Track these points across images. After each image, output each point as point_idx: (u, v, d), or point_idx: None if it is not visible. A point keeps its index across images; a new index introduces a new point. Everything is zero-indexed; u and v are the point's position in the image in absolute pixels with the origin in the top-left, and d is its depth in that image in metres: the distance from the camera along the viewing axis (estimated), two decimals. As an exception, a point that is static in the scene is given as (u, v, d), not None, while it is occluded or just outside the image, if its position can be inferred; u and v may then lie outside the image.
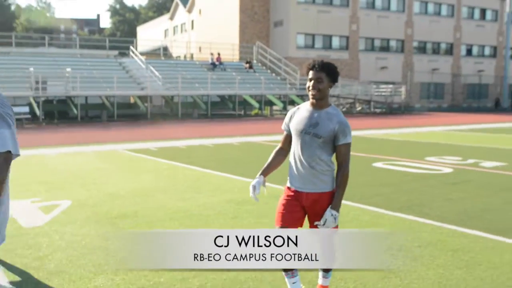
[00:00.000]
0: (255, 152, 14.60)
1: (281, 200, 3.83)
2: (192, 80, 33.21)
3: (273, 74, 39.22)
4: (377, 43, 49.65)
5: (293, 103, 35.88)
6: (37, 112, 26.63)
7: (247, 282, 4.50)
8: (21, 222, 6.60)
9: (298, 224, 3.77)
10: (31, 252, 5.36)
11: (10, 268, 4.86)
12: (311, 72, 3.73)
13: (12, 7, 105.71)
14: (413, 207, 7.32)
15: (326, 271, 4.01)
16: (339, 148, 3.72)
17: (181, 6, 66.58)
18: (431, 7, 52.64)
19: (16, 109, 26.07)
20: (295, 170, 3.82)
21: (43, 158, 12.88)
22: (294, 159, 3.82)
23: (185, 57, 53.81)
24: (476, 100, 55.04)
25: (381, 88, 41.84)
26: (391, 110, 41.42)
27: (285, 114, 22.92)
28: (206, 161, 12.36)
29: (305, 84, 31.06)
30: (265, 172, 3.91)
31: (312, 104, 3.78)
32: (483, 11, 55.83)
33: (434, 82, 52.69)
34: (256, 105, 33.51)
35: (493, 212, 7.09)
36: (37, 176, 10.17)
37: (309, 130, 3.73)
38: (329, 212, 3.67)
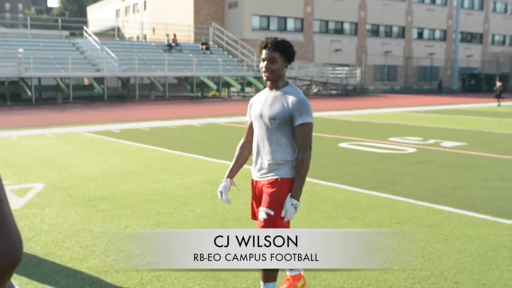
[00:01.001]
0: (219, 133, 14.64)
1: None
2: (148, 61, 32.80)
3: (230, 56, 39.12)
4: (331, 25, 50.07)
5: (250, 84, 35.97)
6: (-12, 94, 25.85)
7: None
8: (-4, 205, 6.48)
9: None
10: (13, 235, 5.28)
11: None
12: (264, 52, 3.40)
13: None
14: (385, 186, 7.55)
15: None
16: (295, 129, 3.38)
17: (133, -14, 65.29)
18: (383, -10, 53.39)
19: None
20: (254, 159, 3.58)
21: (3, 141, 12.58)
22: (254, 146, 3.58)
23: (138, 38, 52.96)
24: (428, 82, 56.36)
25: (337, 70, 42.35)
26: (347, 92, 42.02)
27: (243, 96, 23.10)
28: (173, 143, 12.33)
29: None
30: (231, 174, 3.68)
31: (269, 86, 3.50)
32: (433, -5, 57.01)
33: (387, 65, 53.65)
34: (214, 86, 33.41)
35: (461, 190, 7.37)
36: (1, 159, 9.95)
37: (264, 112, 3.45)
38: (289, 202, 3.36)
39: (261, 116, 3.47)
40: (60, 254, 4.72)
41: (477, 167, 9.23)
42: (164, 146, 11.67)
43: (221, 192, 3.58)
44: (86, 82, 35.56)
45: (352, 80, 43.28)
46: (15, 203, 6.62)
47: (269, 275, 3.46)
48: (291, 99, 3.37)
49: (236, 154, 3.74)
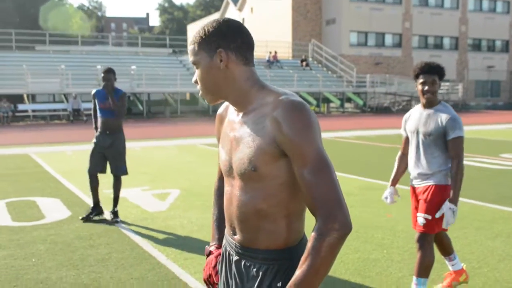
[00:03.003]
0: (348, 151, 15.04)
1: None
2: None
3: (329, 72, 39.53)
4: (430, 40, 49.25)
5: (350, 100, 36.10)
6: (105, 108, 27.77)
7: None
8: (145, 207, 7.28)
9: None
10: (169, 232, 5.98)
11: (155, 246, 5.48)
12: (424, 75, 3.78)
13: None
14: (506, 200, 7.67)
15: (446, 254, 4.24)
16: (449, 143, 3.73)
17: (231, 5, 67.38)
18: (485, 4, 51.84)
19: (86, 105, 27.31)
20: (411, 170, 3.98)
21: (129, 151, 13.66)
22: (410, 158, 3.98)
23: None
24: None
25: (437, 86, 41.55)
26: (447, 108, 41.13)
27: (342, 112, 23.23)
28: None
29: (361, 81, 31.11)
30: (393, 182, 4.19)
31: (423, 104, 3.88)
32: (540, 7, 54.67)
33: (489, 80, 51.94)
34: (314, 102, 33.91)
35: None
36: (135, 167, 10.91)
37: (420, 129, 3.85)
38: (447, 206, 3.70)
39: (417, 132, 3.89)
40: (216, 250, 5.32)
41: None
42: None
43: (386, 198, 4.14)
44: (187, 97, 37.14)
45: (453, 96, 42.34)
46: (159, 205, 7.40)
47: (423, 270, 3.86)
48: (444, 116, 3.75)
49: (396, 165, 4.24)
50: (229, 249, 1.85)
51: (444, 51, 49.17)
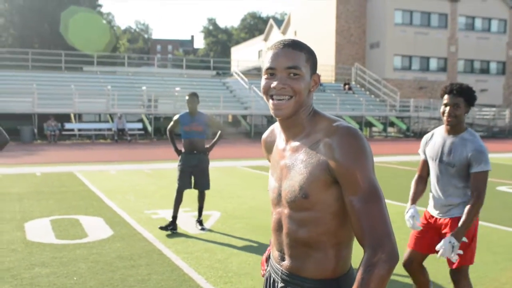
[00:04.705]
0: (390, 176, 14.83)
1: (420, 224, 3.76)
2: (293, 100, 33.90)
3: (372, 96, 39.26)
4: (476, 65, 48.46)
5: (393, 125, 35.71)
6: (149, 128, 28.21)
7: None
8: (186, 229, 7.31)
9: (429, 249, 3.75)
10: (209, 255, 5.98)
11: (195, 268, 5.47)
12: (447, 97, 3.51)
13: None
14: (557, 231, 7.40)
15: None
16: (472, 175, 3.48)
17: (275, 28, 67.94)
18: (534, 28, 50.82)
19: (130, 125, 27.80)
20: (432, 196, 3.76)
21: (173, 172, 13.79)
22: (432, 185, 3.75)
23: (279, 77, 54.76)
24: None
25: (483, 111, 40.81)
26: (493, 134, 40.24)
27: (385, 136, 22.90)
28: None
29: (405, 106, 30.71)
30: (414, 201, 3.81)
31: (447, 129, 3.61)
32: None
33: (538, 106, 50.61)
34: (356, 126, 33.61)
35: None
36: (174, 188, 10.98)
37: (442, 158, 3.60)
38: (447, 239, 3.38)
39: (440, 161, 3.63)
40: (256, 275, 5.28)
41: None
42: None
43: (413, 217, 3.68)
44: (229, 119, 37.37)
45: (500, 122, 41.38)
46: (200, 227, 7.41)
47: None
48: (469, 147, 3.47)
49: (413, 188, 3.88)
50: (274, 276, 1.84)
51: (491, 76, 48.29)
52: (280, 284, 1.79)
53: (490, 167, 3.48)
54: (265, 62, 1.72)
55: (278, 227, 1.78)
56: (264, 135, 1.95)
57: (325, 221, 1.66)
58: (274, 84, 1.68)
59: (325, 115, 1.72)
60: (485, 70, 48.54)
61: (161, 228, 7.03)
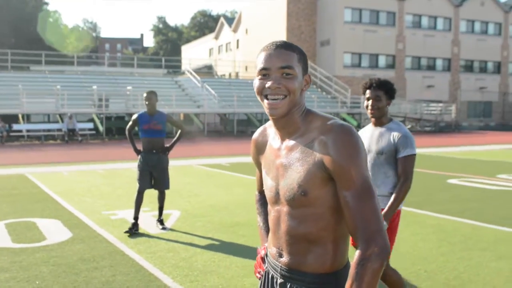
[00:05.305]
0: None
1: None
2: (245, 98, 33.99)
3: (323, 93, 39.73)
4: (423, 61, 49.71)
5: (344, 121, 36.23)
6: (100, 128, 27.74)
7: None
8: (146, 228, 7.23)
9: None
10: (173, 254, 5.94)
11: (160, 268, 5.43)
12: (368, 91, 3.71)
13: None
14: (507, 221, 7.68)
15: None
16: (399, 161, 3.63)
17: (226, 26, 67.83)
18: (477, 26, 52.45)
19: (81, 125, 27.27)
20: None
21: (131, 172, 13.61)
22: None
23: (230, 75, 54.81)
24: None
25: (431, 106, 41.91)
26: (440, 128, 41.39)
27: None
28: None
29: (355, 102, 31.25)
30: None
31: (373, 122, 3.80)
32: (531, 30, 55.38)
33: (482, 101, 52.35)
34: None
35: None
36: (131, 188, 10.85)
37: (372, 148, 3.74)
38: None
39: (369, 151, 3.76)
40: (221, 272, 5.29)
41: None
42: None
43: None
44: (181, 117, 37.13)
45: (446, 117, 42.59)
46: (162, 227, 7.34)
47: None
48: (395, 134, 3.66)
49: None
50: (272, 272, 1.87)
51: (437, 72, 49.62)
52: (280, 280, 1.82)
53: (415, 151, 3.64)
54: (258, 64, 1.75)
55: (277, 224, 1.80)
56: (255, 135, 1.97)
57: (324, 216, 1.70)
58: (268, 84, 1.71)
59: (318, 114, 1.76)
60: (431, 67, 49.84)
61: (127, 232, 6.89)
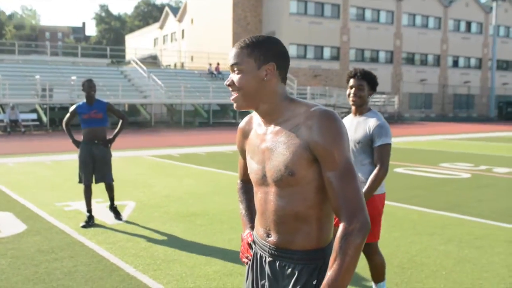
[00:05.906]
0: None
1: None
2: (192, 89, 33.86)
3: (270, 84, 40.00)
4: (367, 54, 50.80)
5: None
6: (44, 119, 27.07)
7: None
8: (103, 219, 7.20)
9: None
10: (133, 244, 5.97)
11: (122, 257, 5.46)
12: (352, 80, 3.83)
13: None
14: (452, 207, 8.06)
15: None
16: (375, 150, 3.73)
17: (171, 15, 67.20)
18: (418, 20, 53.99)
19: (24, 116, 26.52)
20: None
21: (76, 163, 13.40)
22: None
23: (175, 65, 54.40)
24: (463, 110, 56.45)
25: (374, 97, 42.87)
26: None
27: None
28: (236, 167, 13.00)
29: (302, 93, 31.60)
30: None
31: (353, 111, 3.91)
32: (468, 24, 57.39)
33: (423, 93, 53.98)
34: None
35: (526, 211, 7.85)
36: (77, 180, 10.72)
37: (350, 137, 3.80)
38: None
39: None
40: (182, 260, 5.35)
41: (535, 191, 9.66)
42: (230, 169, 12.35)
43: None
44: (126, 108, 36.67)
45: (389, 108, 43.71)
46: (118, 218, 7.33)
47: (380, 275, 4.05)
48: (372, 123, 3.76)
49: None
50: (260, 252, 1.97)
51: (380, 64, 50.79)
52: (269, 259, 1.93)
53: (391, 140, 3.77)
54: None
55: (264, 205, 1.91)
56: (242, 124, 2.08)
57: (310, 195, 1.82)
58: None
59: (302, 101, 1.87)
60: (374, 59, 51.00)
61: (84, 226, 6.76)
